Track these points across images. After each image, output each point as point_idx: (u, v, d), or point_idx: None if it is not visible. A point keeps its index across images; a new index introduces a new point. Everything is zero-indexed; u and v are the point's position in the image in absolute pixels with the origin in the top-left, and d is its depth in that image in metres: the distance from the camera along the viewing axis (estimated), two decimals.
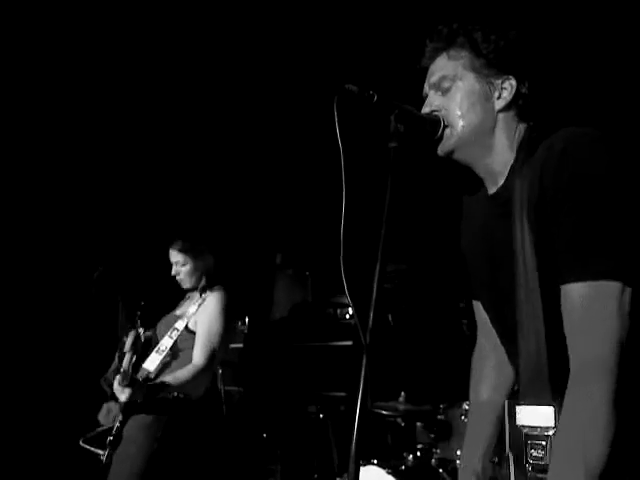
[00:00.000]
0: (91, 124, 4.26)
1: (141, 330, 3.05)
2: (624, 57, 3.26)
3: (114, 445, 2.74)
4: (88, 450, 2.82)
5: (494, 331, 1.53)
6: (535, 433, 1.26)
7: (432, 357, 3.92)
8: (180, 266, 3.11)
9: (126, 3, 3.60)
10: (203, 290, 3.09)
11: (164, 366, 2.96)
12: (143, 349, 3.06)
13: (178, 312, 3.15)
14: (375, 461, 2.89)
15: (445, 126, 1.38)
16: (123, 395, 2.76)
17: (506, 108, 1.38)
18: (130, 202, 4.60)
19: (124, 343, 3.07)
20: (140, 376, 2.89)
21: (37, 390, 4.26)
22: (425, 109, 1.40)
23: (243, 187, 4.85)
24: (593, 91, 3.26)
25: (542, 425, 1.24)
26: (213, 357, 2.94)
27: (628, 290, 1.16)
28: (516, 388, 1.47)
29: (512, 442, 1.32)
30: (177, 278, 3.15)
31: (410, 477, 2.93)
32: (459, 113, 1.37)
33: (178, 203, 4.55)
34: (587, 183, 1.19)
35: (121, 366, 2.96)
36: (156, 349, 2.99)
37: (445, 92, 1.39)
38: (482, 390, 1.60)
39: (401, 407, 3.24)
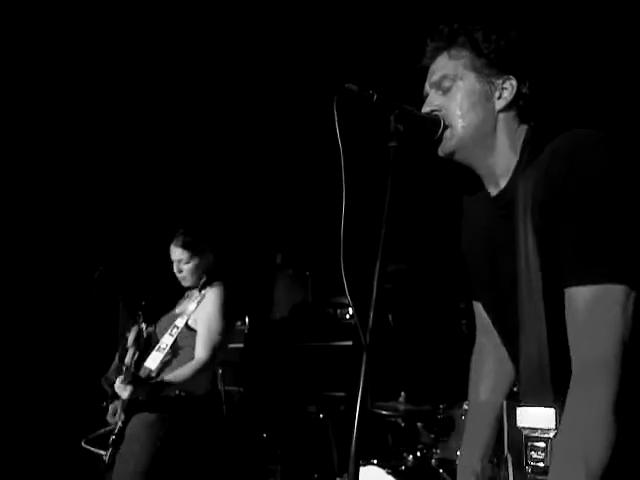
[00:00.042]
0: (92, 124, 4.26)
1: (143, 326, 3.05)
2: (625, 57, 3.26)
3: (117, 444, 2.74)
4: (90, 451, 2.82)
5: (495, 331, 1.53)
6: (535, 435, 1.25)
7: (432, 357, 3.92)
8: (183, 264, 3.10)
9: (126, 3, 3.60)
10: (202, 287, 3.09)
11: (164, 365, 2.96)
12: (145, 345, 3.06)
13: (178, 310, 3.16)
14: (375, 461, 2.89)
15: (445, 126, 1.37)
16: (125, 392, 2.76)
17: (507, 108, 1.37)
18: (131, 202, 4.60)
19: (126, 339, 3.07)
20: (142, 374, 2.90)
21: (38, 389, 4.26)
22: (425, 108, 1.40)
23: (243, 187, 4.85)
24: (594, 91, 3.26)
25: (542, 427, 1.24)
26: (215, 352, 2.94)
27: (633, 294, 1.16)
28: (515, 389, 1.47)
29: (511, 443, 1.32)
30: (179, 276, 3.14)
31: (410, 477, 2.93)
32: (459, 113, 1.36)
33: (179, 203, 4.55)
34: (593, 186, 1.18)
35: (122, 364, 2.96)
36: (157, 347, 2.99)
37: (446, 91, 1.39)
38: (481, 390, 1.60)
39: (401, 407, 3.24)
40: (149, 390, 2.79)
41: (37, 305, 4.33)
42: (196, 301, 3.05)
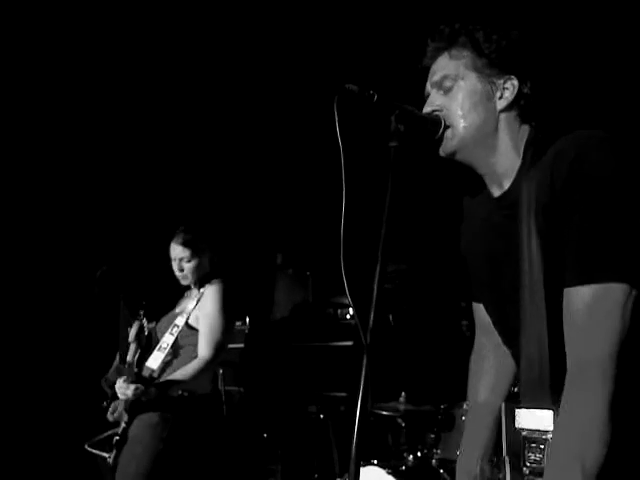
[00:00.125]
0: (94, 124, 4.26)
1: (145, 321, 3.04)
2: (626, 56, 3.26)
3: (120, 446, 2.74)
4: (94, 453, 2.82)
5: (496, 332, 1.53)
6: (534, 436, 1.25)
7: (433, 357, 3.92)
8: (185, 262, 3.07)
9: (126, 3, 3.60)
10: (201, 285, 3.09)
11: (166, 364, 2.96)
12: (146, 343, 3.06)
13: (177, 310, 3.16)
14: (375, 461, 2.89)
15: (446, 126, 1.37)
16: (129, 391, 2.75)
17: (508, 108, 1.37)
18: (133, 202, 4.60)
19: (127, 334, 3.07)
20: (144, 374, 2.90)
21: (39, 389, 4.26)
22: (426, 109, 1.40)
23: (244, 187, 4.85)
24: (595, 91, 3.26)
25: (541, 428, 1.24)
26: (218, 349, 2.94)
27: (633, 292, 1.16)
28: (515, 390, 1.47)
29: (509, 445, 1.32)
30: (179, 274, 3.12)
31: (411, 477, 2.93)
32: (461, 113, 1.36)
33: (180, 203, 4.55)
34: (596, 187, 1.18)
35: (123, 364, 2.96)
36: (158, 347, 2.99)
37: (447, 91, 1.39)
38: (480, 391, 1.59)
39: (401, 407, 3.24)
40: (156, 392, 2.78)
41: (39, 305, 4.34)
42: (195, 299, 3.05)
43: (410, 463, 3.01)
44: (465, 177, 1.47)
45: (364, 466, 2.83)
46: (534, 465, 1.25)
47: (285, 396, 4.46)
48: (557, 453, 1.18)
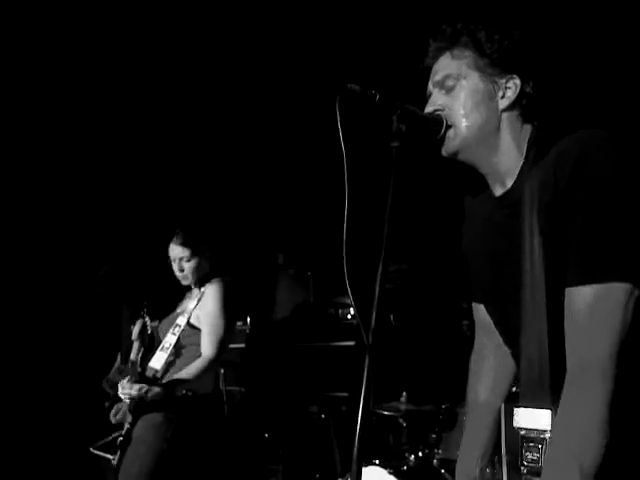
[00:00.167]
0: (96, 125, 4.26)
1: (148, 320, 3.05)
2: (628, 56, 3.25)
3: (124, 447, 2.74)
4: (99, 455, 2.82)
5: (496, 332, 1.53)
6: (532, 435, 1.26)
7: (434, 357, 3.92)
8: (185, 262, 3.08)
9: (126, 3, 3.60)
10: (201, 284, 3.09)
11: (169, 365, 2.96)
12: (149, 342, 3.06)
13: (179, 310, 3.16)
14: (377, 461, 2.89)
15: (448, 126, 1.37)
16: (133, 391, 2.75)
17: (510, 108, 1.37)
18: (134, 202, 4.60)
19: (130, 332, 3.07)
20: (147, 375, 2.90)
21: (40, 389, 4.27)
22: (429, 108, 1.40)
23: (245, 188, 4.85)
24: (597, 91, 3.25)
25: (539, 428, 1.24)
26: (221, 347, 2.94)
27: (635, 292, 1.16)
28: (515, 390, 1.47)
29: (508, 444, 1.32)
30: (180, 275, 3.12)
31: (412, 477, 2.93)
32: (463, 112, 1.36)
33: (182, 204, 4.55)
34: (599, 187, 1.19)
35: (125, 364, 2.96)
36: (160, 347, 2.99)
37: (449, 91, 1.38)
38: (480, 391, 1.59)
39: (403, 407, 3.24)
40: (162, 392, 2.78)
41: (41, 305, 4.34)
42: (196, 299, 3.05)
43: (411, 463, 3.02)
44: (467, 177, 1.47)
45: (366, 466, 2.82)
46: (532, 464, 1.25)
47: (286, 396, 4.46)
48: (555, 452, 1.18)
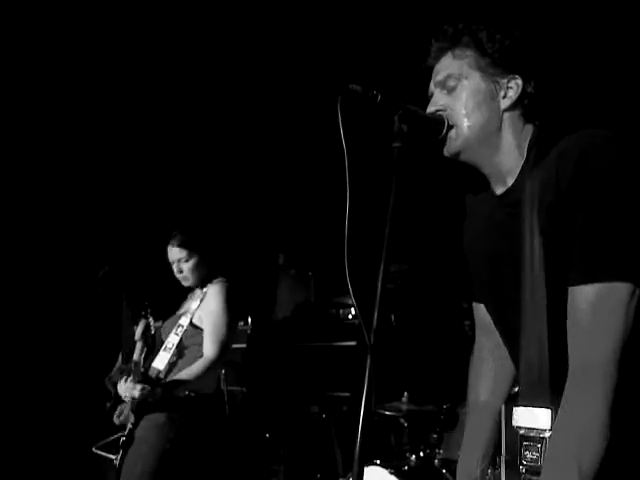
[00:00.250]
0: (97, 125, 4.27)
1: (151, 320, 3.05)
2: (630, 56, 3.25)
3: (127, 447, 2.74)
4: (101, 455, 2.82)
5: (496, 332, 1.53)
6: (531, 435, 1.25)
7: (435, 357, 3.92)
8: (183, 262, 3.09)
9: (126, 3, 3.60)
10: (203, 284, 3.09)
11: (171, 365, 2.96)
12: (152, 342, 3.06)
13: (181, 311, 3.16)
14: (378, 461, 2.89)
15: (450, 126, 1.37)
16: (135, 391, 2.75)
17: (512, 107, 1.37)
18: (135, 202, 4.60)
19: (134, 332, 3.07)
20: (150, 375, 2.90)
21: (41, 389, 4.27)
22: (430, 108, 1.40)
23: (246, 188, 4.85)
24: (599, 90, 3.25)
25: (538, 427, 1.24)
26: (223, 348, 2.94)
27: (637, 292, 1.16)
28: (515, 390, 1.47)
29: (508, 444, 1.32)
30: (179, 276, 3.13)
31: (413, 477, 2.93)
32: (464, 112, 1.36)
33: (183, 204, 4.55)
34: (600, 186, 1.18)
35: (127, 364, 2.96)
36: (163, 347, 2.99)
37: (450, 91, 1.38)
38: (480, 391, 1.59)
39: (404, 407, 3.24)
40: (162, 392, 2.78)
41: (42, 304, 4.34)
42: (199, 299, 3.05)
43: (413, 463, 3.02)
44: (468, 177, 1.47)
45: (367, 466, 2.82)
46: (531, 463, 1.25)
47: (287, 396, 4.47)
48: (555, 453, 1.18)
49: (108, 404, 3.06)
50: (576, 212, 1.20)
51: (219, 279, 3.10)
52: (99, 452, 2.83)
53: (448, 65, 1.39)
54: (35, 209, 4.37)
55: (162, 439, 2.78)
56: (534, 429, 1.25)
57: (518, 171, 1.37)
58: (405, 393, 3.28)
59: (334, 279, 4.59)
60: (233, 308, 3.05)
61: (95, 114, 4.22)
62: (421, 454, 3.07)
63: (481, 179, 1.46)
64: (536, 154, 1.34)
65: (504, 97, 1.37)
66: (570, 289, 1.20)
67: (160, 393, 2.78)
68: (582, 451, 1.12)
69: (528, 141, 1.38)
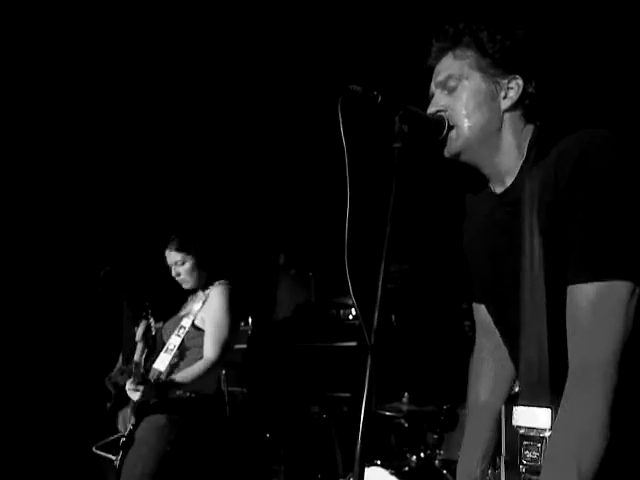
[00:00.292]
0: (97, 125, 4.27)
1: (152, 321, 3.05)
2: (631, 55, 3.25)
3: (127, 448, 2.73)
4: (101, 455, 2.82)
5: (496, 332, 1.53)
6: (531, 434, 1.25)
7: (435, 358, 3.92)
8: (180, 266, 3.10)
9: (126, 3, 3.60)
10: (206, 286, 3.10)
11: (173, 366, 2.96)
12: (153, 343, 3.06)
13: (183, 312, 3.16)
14: (379, 462, 2.89)
15: (450, 127, 1.37)
16: (136, 395, 2.75)
17: (512, 108, 1.37)
18: (136, 202, 4.60)
19: (134, 333, 3.07)
20: (151, 376, 2.90)
21: (42, 389, 4.27)
22: (431, 109, 1.40)
23: (246, 188, 4.85)
24: (600, 90, 3.25)
25: (538, 426, 1.24)
26: (224, 350, 2.94)
27: (637, 290, 1.16)
28: (515, 391, 1.47)
29: (508, 443, 1.32)
30: (178, 279, 3.14)
31: (413, 478, 2.93)
32: (465, 112, 1.36)
33: (183, 204, 4.55)
34: (600, 185, 1.18)
35: (127, 364, 2.96)
36: (164, 349, 2.99)
37: (451, 91, 1.38)
38: (481, 392, 1.59)
39: (404, 408, 3.24)
40: (157, 391, 2.78)
41: (42, 305, 4.34)
42: (201, 301, 3.05)
43: (413, 464, 3.02)
44: (469, 178, 1.47)
45: (367, 466, 2.82)
46: (531, 463, 1.25)
47: (288, 396, 4.47)
48: (555, 453, 1.18)
49: (108, 404, 3.06)
50: (575, 211, 1.20)
51: (222, 281, 3.10)
52: (99, 452, 2.83)
53: (449, 65, 1.39)
54: (36, 209, 4.37)
55: (163, 441, 2.78)
56: (534, 429, 1.25)
57: (517, 171, 1.37)
58: (405, 393, 3.28)
59: (334, 279, 4.59)
60: (236, 310, 3.06)
61: (97, 116, 4.22)
62: (421, 454, 3.07)
63: (481, 179, 1.46)
64: (536, 154, 1.34)
65: (505, 97, 1.37)
66: (570, 287, 1.20)
67: (154, 393, 2.77)
68: (582, 451, 1.12)
69: (528, 141, 1.38)
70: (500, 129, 1.37)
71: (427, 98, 1.44)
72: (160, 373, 2.92)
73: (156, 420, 2.81)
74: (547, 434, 1.22)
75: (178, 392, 2.89)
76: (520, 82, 1.36)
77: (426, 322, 4.22)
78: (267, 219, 5.00)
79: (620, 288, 1.15)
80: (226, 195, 4.80)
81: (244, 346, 4.46)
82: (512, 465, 1.29)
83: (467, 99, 1.36)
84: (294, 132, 4.40)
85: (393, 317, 4.17)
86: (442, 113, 1.38)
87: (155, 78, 4.09)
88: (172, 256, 3.11)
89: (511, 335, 1.40)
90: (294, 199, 4.87)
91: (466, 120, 1.36)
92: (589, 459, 1.12)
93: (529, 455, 1.25)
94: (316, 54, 3.80)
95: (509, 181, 1.38)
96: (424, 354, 4.04)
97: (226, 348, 2.96)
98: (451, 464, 2.96)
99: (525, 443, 1.26)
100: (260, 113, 4.33)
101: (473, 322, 1.65)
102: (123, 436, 2.79)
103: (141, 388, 2.75)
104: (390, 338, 4.02)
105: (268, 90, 4.13)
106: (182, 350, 2.99)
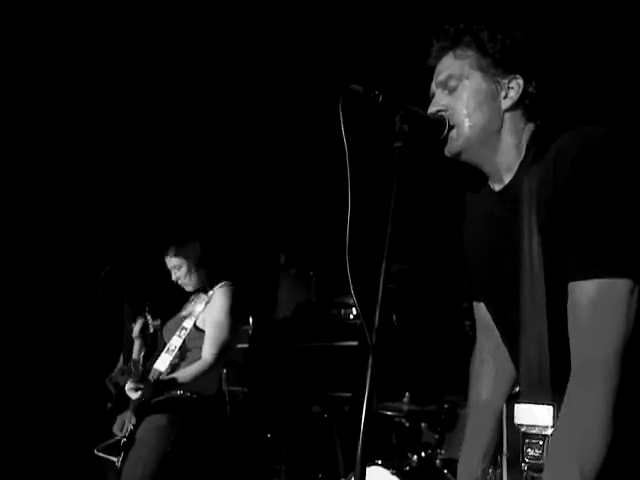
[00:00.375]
0: (97, 125, 4.27)
1: (149, 318, 3.06)
2: (631, 55, 3.25)
3: (127, 448, 2.73)
4: (102, 457, 2.82)
5: (496, 331, 1.53)
6: (533, 432, 1.25)
7: (436, 357, 3.92)
8: (177, 270, 3.12)
9: (126, 3, 3.60)
10: (208, 287, 3.10)
11: (173, 367, 2.96)
12: (152, 341, 3.07)
13: (184, 313, 3.16)
14: (380, 461, 2.89)
15: (451, 126, 1.37)
16: (135, 394, 2.75)
17: (513, 107, 1.37)
18: (137, 202, 4.60)
19: (131, 330, 3.07)
20: (152, 377, 2.90)
21: (42, 389, 4.27)
22: (432, 109, 1.40)
23: (247, 187, 4.85)
24: (600, 89, 3.25)
25: (540, 424, 1.24)
26: (222, 353, 2.94)
27: (637, 288, 1.16)
28: (516, 390, 1.47)
29: (509, 442, 1.32)
30: (179, 283, 3.16)
31: (414, 477, 2.93)
32: (466, 112, 1.36)
33: (184, 204, 4.55)
34: (599, 181, 1.18)
35: (128, 365, 2.96)
36: (165, 349, 2.99)
37: (452, 91, 1.38)
38: (482, 392, 1.59)
39: (405, 407, 3.25)
40: (155, 390, 2.78)
41: (43, 305, 4.34)
42: (204, 302, 3.05)
43: (414, 463, 3.02)
44: (470, 177, 1.47)
45: (368, 466, 2.82)
46: (533, 461, 1.24)
47: (289, 396, 4.47)
48: (557, 451, 1.18)
49: (109, 405, 3.06)
50: (575, 207, 1.20)
51: (225, 282, 3.10)
52: (101, 454, 2.83)
53: (449, 65, 1.39)
54: (37, 210, 4.37)
55: (163, 441, 2.78)
56: (536, 426, 1.24)
57: (516, 169, 1.37)
58: (406, 393, 3.28)
59: (335, 279, 4.59)
60: (237, 312, 3.06)
61: (98, 116, 4.22)
62: (422, 454, 3.07)
63: (481, 177, 1.46)
64: (535, 152, 1.34)
65: (505, 97, 1.37)
66: (570, 285, 1.20)
67: (153, 392, 2.78)
68: (584, 450, 1.12)
69: (527, 140, 1.38)
70: (500, 128, 1.38)
71: (428, 98, 1.44)
72: (160, 373, 2.92)
73: (157, 420, 2.81)
74: (549, 432, 1.22)
75: (179, 392, 2.89)
76: (520, 82, 1.36)
77: (427, 322, 4.22)
78: (268, 219, 5.00)
79: (620, 286, 1.15)
80: (227, 195, 4.80)
81: (245, 345, 4.46)
82: (514, 463, 1.29)
83: (468, 99, 1.36)
84: (295, 132, 4.40)
85: (394, 317, 4.18)
86: (443, 113, 1.38)
87: (156, 81, 4.09)
88: (170, 262, 3.14)
89: (510, 334, 1.40)
90: (295, 199, 4.87)
91: (467, 120, 1.36)
92: (592, 457, 1.12)
93: (531, 453, 1.25)
94: (317, 54, 3.80)
95: (508, 179, 1.39)
96: (425, 354, 4.04)
97: (225, 350, 2.96)
98: (452, 463, 2.96)
99: (527, 441, 1.26)
100: (261, 113, 4.33)
101: (474, 322, 1.65)
102: (124, 437, 2.79)
103: (141, 386, 2.75)
104: (391, 338, 4.02)
105: (269, 90, 4.13)
106: (183, 351, 2.99)
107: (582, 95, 2.87)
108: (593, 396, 1.14)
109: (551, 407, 1.22)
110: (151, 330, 3.09)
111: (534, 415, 1.25)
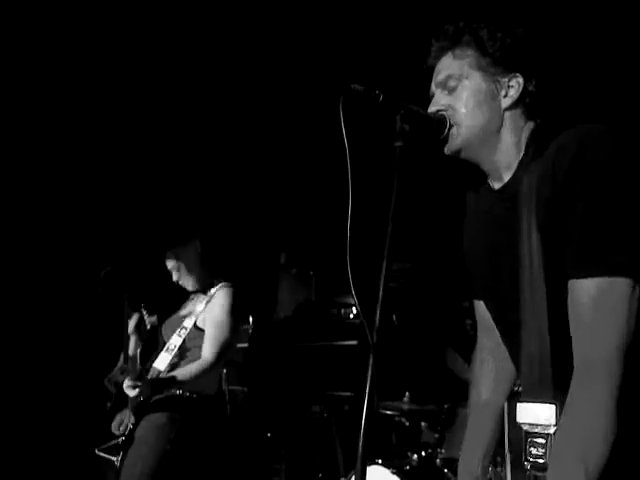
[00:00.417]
0: (97, 125, 4.27)
1: (145, 314, 3.05)
2: (631, 54, 3.25)
3: (126, 447, 2.73)
4: (102, 457, 2.82)
5: (496, 330, 1.53)
6: (535, 431, 1.25)
7: (436, 357, 3.92)
8: (176, 271, 3.13)
9: (126, 3, 3.60)
10: (209, 287, 3.10)
11: (173, 366, 2.96)
12: (149, 338, 3.06)
13: (184, 312, 3.16)
14: (380, 461, 2.89)
15: (451, 125, 1.37)
16: (133, 391, 2.75)
17: (513, 106, 1.37)
18: (137, 202, 4.60)
19: (127, 325, 3.07)
20: (151, 375, 2.90)
21: (42, 389, 4.27)
22: (432, 108, 1.40)
23: (247, 187, 4.85)
24: (600, 88, 3.25)
25: (543, 423, 1.24)
26: (222, 353, 2.94)
27: (638, 286, 1.16)
28: (516, 389, 1.47)
29: (511, 441, 1.32)
30: (180, 283, 3.16)
31: (415, 477, 2.93)
32: (465, 112, 1.36)
33: (184, 204, 4.55)
34: (598, 179, 1.18)
35: (125, 366, 2.96)
36: (165, 348, 2.99)
37: (451, 91, 1.39)
38: (482, 391, 1.60)
39: (406, 407, 3.25)
40: (153, 388, 2.78)
41: (43, 305, 4.34)
42: (204, 302, 3.05)
43: (414, 462, 3.02)
44: (470, 176, 1.47)
45: (368, 465, 2.82)
46: (536, 460, 1.24)
47: (289, 395, 4.47)
48: (560, 451, 1.18)
49: (109, 404, 3.06)
50: (574, 204, 1.20)
51: (226, 283, 3.10)
52: (101, 454, 2.83)
53: (449, 65, 1.39)
54: (37, 210, 4.37)
55: (162, 440, 2.77)
56: (539, 425, 1.24)
57: (516, 167, 1.37)
58: (407, 392, 3.28)
59: (335, 278, 4.59)
60: (237, 312, 3.06)
61: (98, 116, 4.22)
62: (423, 453, 3.08)
63: (482, 176, 1.46)
64: (534, 150, 1.34)
65: (505, 96, 1.37)
66: (570, 283, 1.20)
67: (151, 390, 2.77)
68: (587, 449, 1.12)
69: (527, 138, 1.38)
70: (500, 127, 1.38)
71: (428, 98, 1.44)
72: (160, 372, 2.93)
73: (156, 419, 2.81)
74: (552, 430, 1.22)
75: (178, 391, 2.89)
76: (520, 80, 1.36)
77: (427, 321, 4.22)
78: (268, 218, 5.00)
79: (621, 284, 1.15)
80: (227, 195, 4.80)
81: (245, 345, 4.46)
82: (517, 462, 1.29)
83: (467, 99, 1.36)
84: (295, 131, 4.40)
85: (394, 316, 4.18)
86: (443, 112, 1.38)
87: (156, 81, 4.09)
88: (171, 262, 3.15)
89: (510, 333, 1.40)
90: (295, 198, 4.87)
91: (466, 120, 1.36)
92: (595, 456, 1.12)
93: (534, 452, 1.25)
94: (317, 54, 3.80)
95: (507, 177, 1.39)
96: (425, 353, 4.04)
97: (225, 349, 2.96)
98: (452, 463, 2.96)
99: (530, 440, 1.26)
100: (261, 112, 4.33)
101: (474, 321, 1.66)
102: (123, 436, 2.79)
103: (138, 384, 2.75)
104: (391, 337, 4.02)
105: (269, 90, 4.13)
106: (183, 350, 2.99)
107: (582, 93, 2.87)
108: (595, 395, 1.14)
109: (553, 406, 1.22)
110: (148, 326, 3.09)
111: (536, 414, 1.25)
